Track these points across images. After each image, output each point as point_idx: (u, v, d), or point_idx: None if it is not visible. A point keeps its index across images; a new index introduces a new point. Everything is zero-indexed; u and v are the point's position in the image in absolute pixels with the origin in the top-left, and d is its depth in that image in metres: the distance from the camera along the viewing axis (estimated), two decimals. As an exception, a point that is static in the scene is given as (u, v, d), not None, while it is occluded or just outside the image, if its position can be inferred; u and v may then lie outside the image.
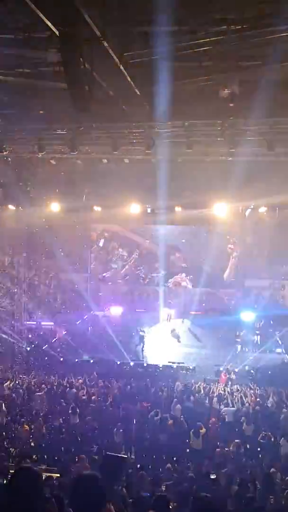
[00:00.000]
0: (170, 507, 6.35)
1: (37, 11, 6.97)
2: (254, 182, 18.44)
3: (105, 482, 2.93)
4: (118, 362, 20.95)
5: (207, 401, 16.37)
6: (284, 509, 8.65)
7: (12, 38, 8.96)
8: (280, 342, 22.15)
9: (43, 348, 22.48)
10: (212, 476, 10.81)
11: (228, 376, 18.73)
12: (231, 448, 13.06)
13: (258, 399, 16.31)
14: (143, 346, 22.68)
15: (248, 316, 23.19)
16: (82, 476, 2.99)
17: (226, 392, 16.91)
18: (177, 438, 14.01)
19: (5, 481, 8.05)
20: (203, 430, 13.61)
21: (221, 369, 19.59)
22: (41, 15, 7.08)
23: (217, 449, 12.95)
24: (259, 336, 22.63)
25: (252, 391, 17.25)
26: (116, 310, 25.24)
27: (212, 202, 20.53)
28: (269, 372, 19.42)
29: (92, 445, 13.51)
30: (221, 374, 18.85)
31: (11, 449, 13.07)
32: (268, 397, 16.46)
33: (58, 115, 13.17)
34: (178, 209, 22.05)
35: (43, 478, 7.69)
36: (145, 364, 21.13)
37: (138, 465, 11.72)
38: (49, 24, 7.35)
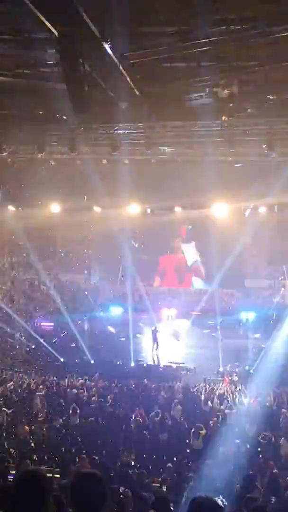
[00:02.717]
0: (170, 507, 6.36)
1: (37, 12, 6.97)
2: (254, 182, 18.44)
3: None
4: (119, 363, 20.93)
5: (207, 402, 16.34)
6: (286, 509, 8.64)
7: (12, 38, 8.98)
8: (280, 341, 22.15)
9: (44, 348, 22.45)
10: (213, 477, 10.80)
11: (230, 378, 18.69)
12: (231, 448, 13.03)
13: (258, 399, 16.29)
14: (157, 346, 21.91)
15: (248, 316, 23.20)
16: (82, 475, 2.95)
17: (227, 393, 16.89)
18: (177, 438, 13.99)
19: (6, 482, 8.05)
20: (203, 432, 13.57)
21: (221, 369, 19.57)
22: (40, 15, 7.08)
23: (221, 449, 12.93)
24: (259, 336, 22.63)
25: (252, 391, 17.22)
26: (116, 311, 25.25)
27: (212, 202, 20.53)
28: (269, 372, 19.39)
29: (92, 445, 13.49)
30: (224, 376, 18.80)
31: (11, 449, 13.05)
32: (268, 397, 16.44)
33: (58, 115, 13.18)
34: (178, 209, 22.03)
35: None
36: (145, 365, 21.11)
37: (138, 465, 11.71)
38: (49, 24, 7.35)
